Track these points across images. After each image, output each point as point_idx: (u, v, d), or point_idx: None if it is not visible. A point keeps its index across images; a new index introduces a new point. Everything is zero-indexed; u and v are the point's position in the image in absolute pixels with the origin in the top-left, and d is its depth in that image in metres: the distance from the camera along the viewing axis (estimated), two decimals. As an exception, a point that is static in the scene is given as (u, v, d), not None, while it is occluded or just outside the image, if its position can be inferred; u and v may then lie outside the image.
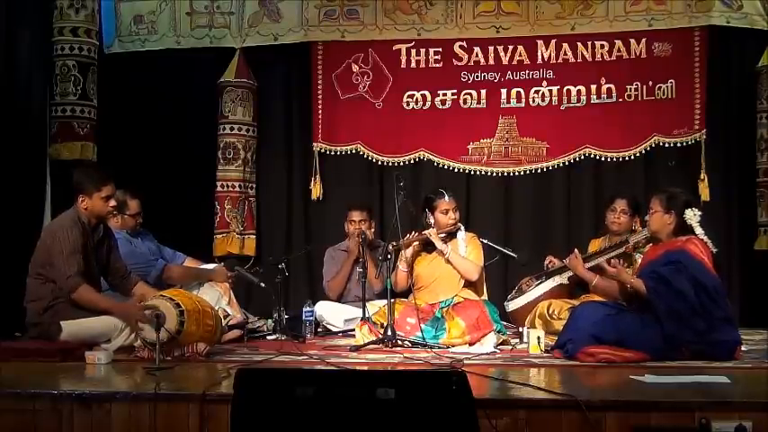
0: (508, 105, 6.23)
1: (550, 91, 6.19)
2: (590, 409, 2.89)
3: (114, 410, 3.09)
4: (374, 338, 4.63)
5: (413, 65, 6.32)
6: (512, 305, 5.34)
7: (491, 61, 6.25)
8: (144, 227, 5.35)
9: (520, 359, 4.21)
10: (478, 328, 4.67)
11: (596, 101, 6.15)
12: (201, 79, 6.33)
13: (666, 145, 6.07)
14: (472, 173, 6.27)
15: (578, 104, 6.17)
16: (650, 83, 6.07)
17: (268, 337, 5.23)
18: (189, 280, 5.22)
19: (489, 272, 5.38)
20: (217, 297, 5.13)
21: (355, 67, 6.37)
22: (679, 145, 6.06)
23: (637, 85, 6.09)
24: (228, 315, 5.05)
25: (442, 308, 4.88)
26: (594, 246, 5.34)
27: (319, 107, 6.41)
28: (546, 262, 5.39)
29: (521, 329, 5.00)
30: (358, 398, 2.44)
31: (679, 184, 4.99)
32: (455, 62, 6.28)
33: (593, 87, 6.14)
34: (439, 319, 4.79)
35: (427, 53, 6.30)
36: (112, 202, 4.39)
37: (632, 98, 6.10)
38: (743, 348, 4.22)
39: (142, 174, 5.80)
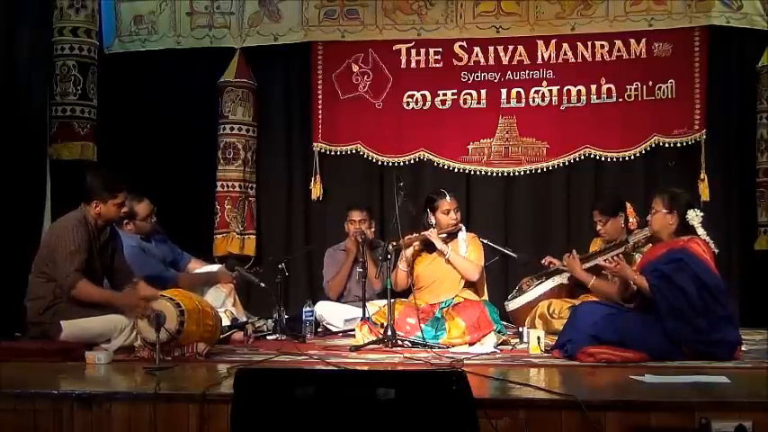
0: (508, 105, 6.23)
1: (550, 91, 6.19)
2: (590, 409, 2.89)
3: (114, 410, 3.09)
4: (374, 338, 4.63)
5: (413, 65, 6.32)
6: (512, 305, 5.35)
7: (491, 61, 6.25)
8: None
9: (520, 359, 4.21)
10: (478, 328, 4.67)
11: (596, 101, 6.15)
12: (201, 79, 6.33)
13: (666, 145, 6.08)
14: (472, 173, 6.27)
15: (578, 104, 6.17)
16: (650, 83, 6.07)
17: (268, 337, 5.22)
18: (199, 286, 5.22)
19: (489, 272, 5.38)
20: (222, 298, 5.14)
21: (355, 67, 6.36)
22: (679, 145, 6.06)
23: (637, 85, 6.09)
24: (237, 318, 5.05)
25: (442, 308, 4.88)
26: (596, 245, 5.35)
27: (319, 107, 6.41)
28: (544, 262, 5.40)
29: (521, 329, 5.00)
30: (358, 398, 2.44)
31: (679, 184, 4.99)
32: (455, 62, 6.27)
33: (593, 87, 6.14)
34: (439, 319, 4.79)
35: (427, 53, 6.30)
36: (125, 208, 4.51)
37: (632, 98, 6.11)
38: (743, 348, 4.22)
39: (142, 174, 5.77)
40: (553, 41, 6.17)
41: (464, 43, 6.26)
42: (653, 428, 2.90)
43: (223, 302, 5.08)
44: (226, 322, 4.84)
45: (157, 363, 3.68)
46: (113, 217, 4.44)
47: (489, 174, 6.26)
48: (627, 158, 6.12)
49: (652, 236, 4.52)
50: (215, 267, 5.49)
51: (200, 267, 5.50)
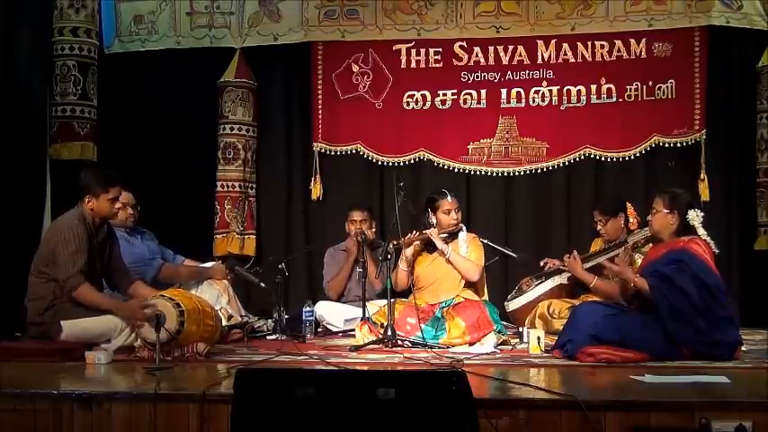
0: (508, 105, 6.23)
1: (550, 91, 6.19)
2: (590, 409, 2.89)
3: (114, 410, 3.09)
4: (374, 338, 4.63)
5: (413, 65, 6.31)
6: (512, 305, 5.34)
7: (491, 61, 6.25)
8: (145, 226, 5.34)
9: (520, 359, 4.21)
10: (478, 328, 4.67)
11: (596, 101, 6.15)
12: (201, 79, 6.33)
13: (666, 145, 6.07)
14: (472, 173, 6.27)
15: (578, 104, 6.17)
16: (650, 83, 6.07)
17: (268, 337, 5.22)
18: (187, 278, 5.22)
19: (489, 272, 5.38)
20: (216, 296, 5.13)
21: (355, 67, 6.36)
22: (679, 145, 6.06)
23: (637, 85, 6.09)
24: (232, 316, 5.05)
25: (443, 308, 4.88)
26: (596, 245, 5.35)
27: (319, 107, 6.41)
28: (543, 263, 5.39)
29: (521, 329, 5.00)
30: (358, 398, 2.44)
31: (679, 184, 4.99)
32: (455, 62, 6.27)
33: (593, 87, 6.14)
34: (439, 319, 4.80)
35: (427, 53, 6.29)
36: (118, 204, 4.51)
37: (632, 98, 6.10)
38: (743, 348, 4.22)
39: (142, 174, 5.78)
40: (553, 41, 6.17)
41: (464, 43, 6.25)
42: (653, 428, 2.90)
43: (217, 300, 5.06)
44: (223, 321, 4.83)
45: (157, 363, 3.68)
46: (107, 213, 4.41)
47: (489, 174, 6.26)
48: (627, 158, 6.11)
49: (652, 236, 4.52)
50: (209, 264, 5.48)
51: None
